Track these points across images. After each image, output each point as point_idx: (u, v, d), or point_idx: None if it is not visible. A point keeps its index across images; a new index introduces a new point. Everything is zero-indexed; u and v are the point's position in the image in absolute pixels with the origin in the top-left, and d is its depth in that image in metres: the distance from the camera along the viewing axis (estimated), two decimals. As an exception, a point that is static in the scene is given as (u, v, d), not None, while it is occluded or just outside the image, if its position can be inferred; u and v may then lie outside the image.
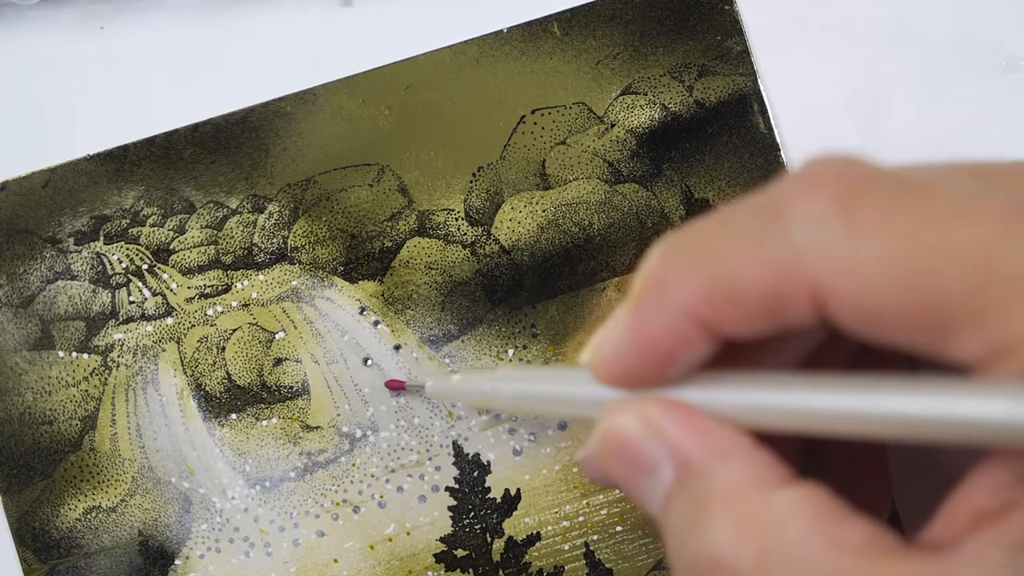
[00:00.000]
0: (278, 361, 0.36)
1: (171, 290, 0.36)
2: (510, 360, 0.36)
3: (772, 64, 0.36)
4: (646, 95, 0.36)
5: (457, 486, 0.35)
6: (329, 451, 0.35)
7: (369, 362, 0.36)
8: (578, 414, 0.25)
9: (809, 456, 0.26)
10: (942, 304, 0.18)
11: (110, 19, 0.37)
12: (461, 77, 0.36)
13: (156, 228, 0.36)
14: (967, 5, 0.36)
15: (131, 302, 0.36)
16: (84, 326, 0.36)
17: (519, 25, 0.37)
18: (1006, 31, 0.36)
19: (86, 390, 0.36)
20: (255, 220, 0.36)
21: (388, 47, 0.37)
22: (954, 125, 0.36)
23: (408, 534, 0.35)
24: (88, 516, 0.35)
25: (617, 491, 0.35)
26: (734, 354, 0.22)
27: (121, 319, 0.36)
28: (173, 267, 0.36)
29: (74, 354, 0.36)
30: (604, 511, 0.35)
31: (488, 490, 0.35)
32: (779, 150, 0.36)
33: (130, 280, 0.36)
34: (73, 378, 0.36)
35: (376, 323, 0.36)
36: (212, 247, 0.36)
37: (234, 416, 0.35)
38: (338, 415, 0.35)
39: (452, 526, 0.35)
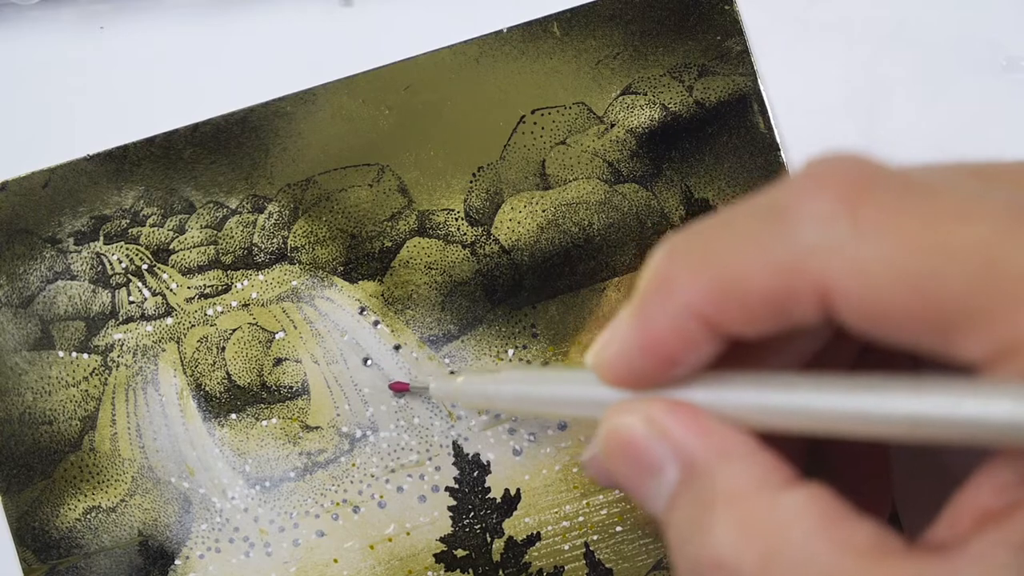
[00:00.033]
0: (278, 361, 0.36)
1: (171, 290, 0.36)
2: (510, 360, 0.36)
3: (772, 64, 0.36)
4: (646, 95, 0.36)
5: (457, 486, 0.35)
6: (329, 451, 0.35)
7: (369, 362, 0.36)
8: (582, 415, 0.25)
9: (811, 456, 0.26)
10: (947, 304, 0.18)
11: (110, 19, 0.37)
12: (461, 77, 0.36)
13: (156, 228, 0.36)
14: (967, 5, 0.36)
15: (131, 302, 0.36)
16: (84, 326, 0.36)
17: (519, 25, 0.37)
18: (1006, 31, 0.36)
19: (86, 390, 0.36)
20: (255, 220, 0.36)
21: (388, 47, 0.37)
22: (954, 125, 0.36)
23: (408, 534, 0.35)
24: (88, 516, 0.35)
25: (617, 491, 0.35)
26: (738, 354, 0.22)
27: (121, 319, 0.36)
28: (173, 267, 0.36)
29: (74, 354, 0.36)
30: (604, 511, 0.35)
31: (488, 490, 0.35)
32: (779, 150, 0.36)
33: (130, 280, 0.36)
34: (73, 378, 0.36)
35: (376, 323, 0.36)
36: (212, 247, 0.36)
37: (234, 416, 0.35)
38: (338, 415, 0.35)
39: (452, 526, 0.35)
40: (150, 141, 0.36)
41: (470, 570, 0.35)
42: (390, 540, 0.35)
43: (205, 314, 0.36)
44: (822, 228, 0.19)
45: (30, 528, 0.35)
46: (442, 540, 0.35)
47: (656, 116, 0.36)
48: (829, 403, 0.20)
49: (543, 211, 0.36)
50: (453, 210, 0.36)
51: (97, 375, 0.36)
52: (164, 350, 0.36)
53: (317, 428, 0.35)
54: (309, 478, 0.35)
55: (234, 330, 0.36)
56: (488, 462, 0.35)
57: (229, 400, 0.36)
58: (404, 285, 0.36)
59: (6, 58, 0.37)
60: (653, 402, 0.22)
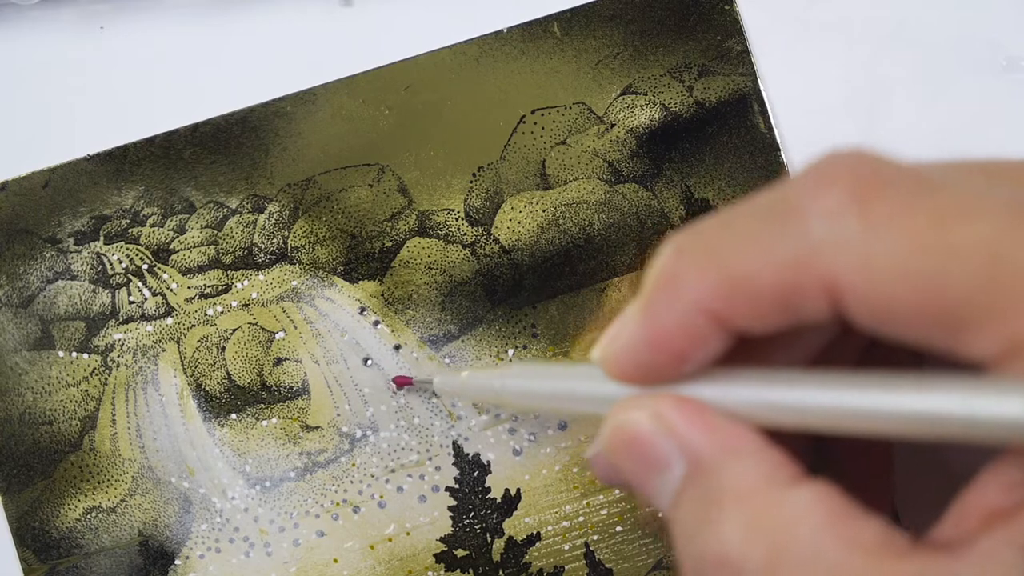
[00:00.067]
0: (278, 361, 0.36)
1: (171, 290, 0.36)
2: (510, 360, 0.36)
3: (772, 64, 0.36)
4: (646, 95, 0.36)
5: (457, 486, 0.35)
6: (329, 451, 0.35)
7: (369, 362, 0.36)
8: (588, 411, 0.25)
9: (815, 452, 0.26)
10: (956, 301, 0.18)
11: (110, 19, 0.37)
12: (461, 77, 0.36)
13: (156, 228, 0.36)
14: (967, 5, 0.36)
15: (131, 302, 0.36)
16: (84, 326, 0.36)
17: (519, 25, 0.37)
18: (1006, 31, 0.36)
19: (86, 390, 0.36)
20: (255, 220, 0.36)
21: (388, 47, 0.37)
22: (954, 125, 0.36)
23: (408, 534, 0.35)
24: (88, 516, 0.35)
25: (617, 491, 0.35)
26: (745, 350, 0.22)
27: (121, 319, 0.36)
28: (173, 267, 0.36)
29: (74, 354, 0.36)
30: (604, 511, 0.35)
31: (488, 490, 0.35)
32: (779, 150, 0.36)
33: (130, 280, 0.36)
34: (73, 378, 0.36)
35: (376, 323, 0.36)
36: (212, 247, 0.36)
37: (234, 416, 0.35)
38: (338, 415, 0.35)
39: (452, 526, 0.35)
40: (150, 141, 0.36)
41: (470, 570, 0.35)
42: (390, 540, 0.35)
43: (205, 314, 0.36)
44: (831, 223, 0.19)
45: (30, 528, 0.35)
46: (442, 540, 0.35)
47: (656, 116, 0.36)
48: (836, 400, 0.20)
49: (543, 211, 0.36)
50: (453, 210, 0.36)
51: (97, 375, 0.36)
52: (164, 350, 0.36)
53: (317, 428, 0.35)
54: (309, 478, 0.35)
55: (234, 330, 0.36)
56: (488, 462, 0.35)
57: (229, 400, 0.36)
58: (404, 285, 0.36)
59: (6, 58, 0.37)
60: (660, 398, 0.22)
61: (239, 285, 0.36)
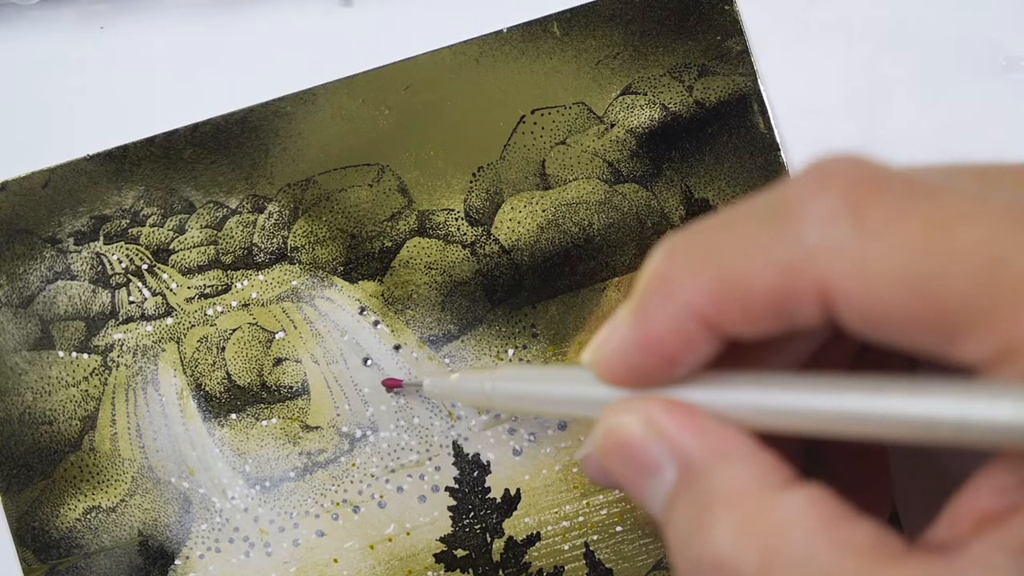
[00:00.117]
0: (278, 361, 0.36)
1: (171, 290, 0.36)
2: (510, 360, 0.36)
3: (772, 64, 0.36)
4: (646, 95, 0.36)
5: (457, 486, 0.35)
6: (329, 451, 0.35)
7: (369, 362, 0.36)
8: (579, 414, 0.25)
9: (809, 456, 0.26)
10: (948, 305, 0.18)
11: (110, 19, 0.37)
12: (461, 77, 0.36)
13: (156, 228, 0.36)
14: (967, 5, 0.36)
15: (131, 302, 0.36)
16: (84, 326, 0.36)
17: (519, 25, 0.37)
18: (1006, 31, 0.36)
19: (86, 390, 0.36)
20: (255, 220, 0.36)
21: (388, 47, 0.37)
22: (954, 125, 0.36)
23: (408, 534, 0.35)
24: (88, 516, 0.35)
25: (617, 491, 0.35)
26: (736, 354, 0.22)
27: (121, 319, 0.36)
28: (173, 267, 0.36)
29: (74, 354, 0.36)
30: (604, 511, 0.35)
31: (488, 490, 0.35)
32: (779, 150, 0.36)
33: (130, 280, 0.36)
34: (73, 378, 0.36)
35: (376, 323, 0.36)
36: (212, 247, 0.36)
37: (234, 416, 0.35)
38: (338, 415, 0.35)
39: (452, 526, 0.35)
40: (150, 141, 0.36)
41: (470, 570, 0.35)
42: (390, 540, 0.35)
43: (205, 314, 0.36)
44: (824, 228, 0.19)
45: (30, 528, 0.35)
46: (442, 540, 0.35)
47: (656, 116, 0.36)
48: (828, 404, 0.20)
49: (543, 211, 0.36)
50: (453, 210, 0.36)
51: (97, 375, 0.36)
52: (164, 350, 0.36)
53: (317, 428, 0.35)
54: (309, 478, 0.35)
55: (234, 330, 0.36)
56: (488, 462, 0.35)
57: (229, 400, 0.36)
58: (404, 285, 0.36)
59: (6, 58, 0.37)
60: (650, 401, 0.22)
61: (239, 285, 0.36)
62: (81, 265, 0.36)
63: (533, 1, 0.37)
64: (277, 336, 0.36)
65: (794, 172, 0.36)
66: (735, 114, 0.36)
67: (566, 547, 0.35)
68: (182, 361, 0.36)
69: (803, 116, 0.36)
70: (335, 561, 0.35)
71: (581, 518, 0.35)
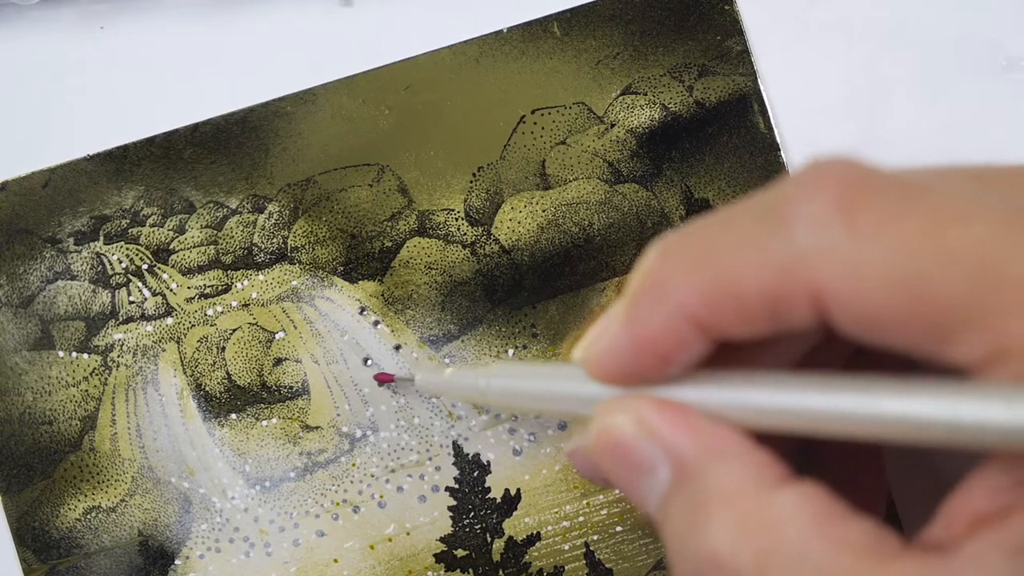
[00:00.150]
0: (278, 361, 0.36)
1: (171, 290, 0.36)
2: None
3: (772, 64, 0.36)
4: (646, 95, 0.36)
5: (457, 486, 0.35)
6: (329, 451, 0.35)
7: (369, 362, 0.36)
8: (571, 411, 0.25)
9: (804, 454, 0.26)
10: (941, 307, 0.18)
11: (110, 19, 0.37)
12: (461, 77, 0.36)
13: (156, 228, 0.36)
14: (967, 5, 0.36)
15: (131, 302, 0.36)
16: (84, 326, 0.36)
17: (519, 25, 0.37)
18: (1006, 31, 0.36)
19: (86, 390, 0.36)
20: (255, 220, 0.36)
21: (388, 47, 0.37)
22: (954, 125, 0.36)
23: (408, 534, 0.35)
24: (88, 516, 0.35)
25: (617, 491, 0.35)
26: (728, 352, 0.22)
27: (121, 319, 0.36)
28: (173, 267, 0.36)
29: (74, 354, 0.36)
30: (604, 511, 0.35)
31: (488, 490, 0.35)
32: (779, 150, 0.36)
33: (130, 280, 0.36)
34: (73, 378, 0.36)
35: (376, 323, 0.36)
36: (212, 247, 0.36)
37: (234, 416, 0.35)
38: (338, 415, 0.35)
39: (452, 526, 0.35)
40: (150, 141, 0.36)
41: (470, 570, 0.35)
42: (390, 540, 0.35)
43: (205, 314, 0.36)
44: (817, 231, 0.19)
45: (30, 528, 0.35)
46: (442, 540, 0.35)
47: (656, 116, 0.36)
48: (820, 403, 0.20)
49: (543, 211, 0.36)
50: (453, 210, 0.36)
51: (97, 375, 0.36)
52: (164, 350, 0.36)
53: (317, 428, 0.35)
54: (309, 478, 0.35)
55: (234, 330, 0.36)
56: (488, 462, 0.35)
57: (229, 400, 0.36)
58: (404, 285, 0.36)
59: (6, 58, 0.37)
60: (642, 401, 0.22)
61: (239, 285, 0.36)
62: (81, 265, 0.36)
63: (533, 1, 0.37)
64: (277, 336, 0.36)
65: (794, 172, 0.36)
66: (735, 114, 0.36)
67: (566, 547, 0.35)
68: (182, 361, 0.36)
69: (803, 116, 0.36)
70: (335, 561, 0.35)
71: (581, 518, 0.35)
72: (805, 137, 0.36)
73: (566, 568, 0.35)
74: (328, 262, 0.36)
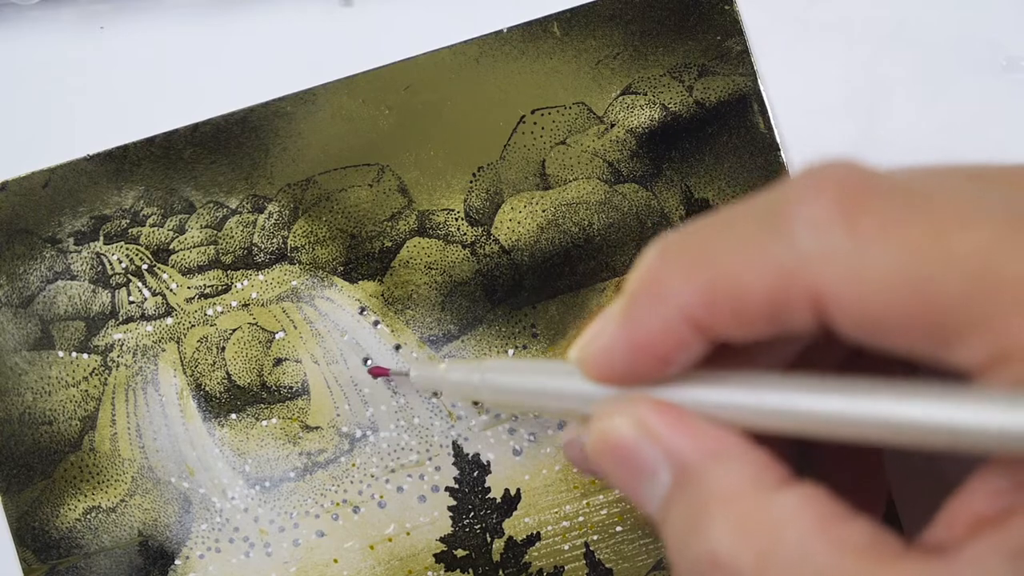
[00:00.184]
0: (278, 361, 0.36)
1: (171, 290, 0.36)
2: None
3: (772, 64, 0.36)
4: (646, 95, 0.36)
5: (457, 486, 0.35)
6: (329, 451, 0.35)
7: (369, 362, 0.36)
8: (566, 409, 0.25)
9: (803, 452, 0.26)
10: (942, 311, 0.18)
11: (110, 19, 0.37)
12: (461, 77, 0.36)
13: (156, 228, 0.36)
14: (967, 5, 0.36)
15: (131, 302, 0.36)
16: (84, 326, 0.36)
17: (519, 25, 0.37)
18: (1006, 31, 0.36)
19: (86, 390, 0.36)
20: (255, 220, 0.36)
21: (388, 47, 0.37)
22: (954, 125, 0.36)
23: (408, 534, 0.35)
24: (88, 516, 0.35)
25: (617, 491, 0.35)
26: (724, 352, 0.22)
27: (121, 319, 0.36)
28: (173, 267, 0.36)
29: (74, 354, 0.36)
30: (604, 511, 0.35)
31: (488, 490, 0.35)
32: (779, 150, 0.36)
33: (130, 280, 0.36)
34: (73, 378, 0.36)
35: (376, 323, 0.36)
36: (212, 247, 0.36)
37: (234, 416, 0.35)
38: (338, 415, 0.35)
39: (452, 526, 0.35)
40: (150, 141, 0.36)
41: (470, 570, 0.35)
42: (390, 540, 0.35)
43: (205, 314, 0.36)
44: (818, 235, 0.19)
45: (30, 528, 0.35)
46: (442, 540, 0.35)
47: (656, 116, 0.36)
48: (817, 406, 0.20)
49: (543, 211, 0.36)
50: (453, 210, 0.36)
51: (97, 375, 0.36)
52: (164, 350, 0.36)
53: (317, 428, 0.35)
54: (309, 478, 0.35)
55: (234, 330, 0.36)
56: (488, 462, 0.35)
57: (229, 400, 0.36)
58: (404, 285, 0.36)
59: (6, 58, 0.37)
60: (641, 403, 0.22)
61: (239, 285, 0.36)
62: (81, 265, 0.36)
63: (533, 1, 0.37)
64: (277, 336, 0.36)
65: (794, 172, 0.36)
66: (735, 114, 0.36)
67: (566, 547, 0.35)
68: (182, 361, 0.36)
69: (803, 116, 0.36)
70: (335, 561, 0.35)
71: (581, 518, 0.35)
72: (805, 137, 0.36)
73: (566, 568, 0.35)
74: (328, 262, 0.36)
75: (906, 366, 0.25)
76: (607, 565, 0.35)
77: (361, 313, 0.36)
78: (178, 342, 0.36)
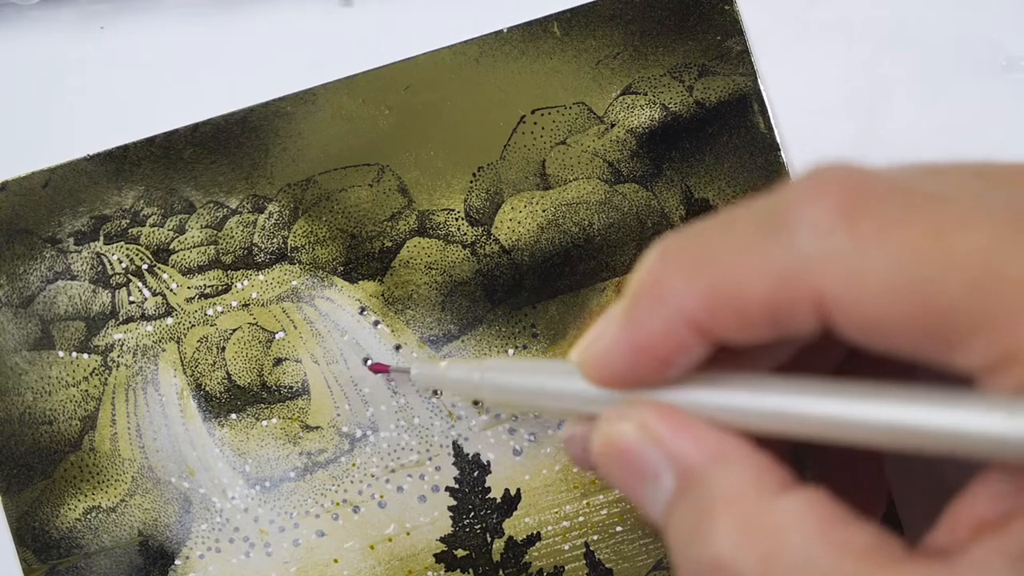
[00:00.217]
0: (278, 361, 0.36)
1: (171, 290, 0.36)
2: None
3: (772, 64, 0.36)
4: (646, 95, 0.36)
5: (457, 486, 0.35)
6: (329, 451, 0.35)
7: (369, 362, 0.36)
8: (567, 409, 0.25)
9: (803, 453, 0.26)
10: (945, 313, 0.18)
11: (110, 19, 0.37)
12: (461, 77, 0.36)
13: (156, 228, 0.36)
14: (967, 5, 0.36)
15: (131, 302, 0.36)
16: (84, 326, 0.36)
17: (519, 25, 0.37)
18: (1006, 31, 0.36)
19: (86, 390, 0.36)
20: (255, 220, 0.36)
21: (388, 47, 0.37)
22: (954, 125, 0.36)
23: (408, 534, 0.35)
24: (88, 516, 0.35)
25: (617, 491, 0.35)
26: (723, 353, 0.22)
27: (121, 319, 0.36)
28: (173, 267, 0.36)
29: (74, 354, 0.36)
30: (604, 511, 0.35)
31: (488, 490, 0.35)
32: (779, 150, 0.36)
33: (130, 280, 0.36)
34: (73, 378, 0.36)
35: (376, 323, 0.36)
36: (212, 247, 0.36)
37: (234, 416, 0.35)
38: (338, 415, 0.35)
39: (452, 526, 0.35)
40: (150, 141, 0.36)
41: (470, 570, 0.35)
42: (390, 540, 0.35)
43: (205, 314, 0.36)
44: (820, 238, 0.19)
45: (30, 528, 0.35)
46: (442, 540, 0.35)
47: (656, 116, 0.36)
48: (818, 409, 0.20)
49: (543, 211, 0.36)
50: (453, 210, 0.36)
51: (97, 375, 0.36)
52: (164, 350, 0.36)
53: (317, 428, 0.35)
54: (309, 478, 0.35)
55: (234, 330, 0.36)
56: (488, 462, 0.35)
57: (229, 400, 0.36)
58: (404, 285, 0.36)
59: (6, 58, 0.37)
60: (644, 408, 0.22)
61: (239, 285, 0.36)
62: (81, 265, 0.36)
63: (533, 1, 0.37)
64: (277, 336, 0.36)
65: (794, 172, 0.36)
66: (735, 114, 0.36)
67: (566, 547, 0.35)
68: (182, 361, 0.36)
69: (803, 116, 0.36)
70: (335, 561, 0.35)
71: (581, 518, 0.35)
72: (805, 137, 0.36)
73: (566, 568, 0.35)
74: (328, 262, 0.36)
75: (905, 365, 0.25)
76: (607, 565, 0.35)
77: (361, 313, 0.36)
78: (178, 342, 0.36)
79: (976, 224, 0.18)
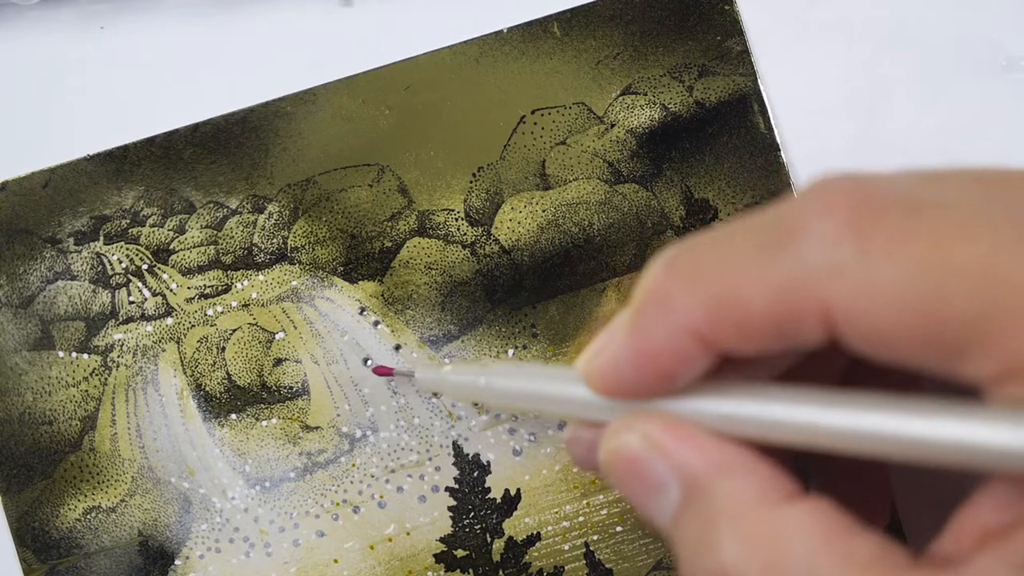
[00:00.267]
0: (278, 361, 0.36)
1: (171, 290, 0.36)
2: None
3: (772, 64, 0.36)
4: (646, 95, 0.36)
5: (457, 486, 0.35)
6: (329, 451, 0.35)
7: (369, 362, 0.36)
8: (570, 415, 0.25)
9: (807, 463, 0.26)
10: (952, 324, 0.18)
11: (110, 19, 0.37)
12: (461, 77, 0.36)
13: (156, 228, 0.36)
14: (967, 5, 0.36)
15: (131, 302, 0.36)
16: (84, 326, 0.36)
17: (519, 25, 0.36)
18: (1006, 31, 0.36)
19: (86, 390, 0.36)
20: (255, 220, 0.36)
21: (388, 47, 0.37)
22: (954, 125, 0.36)
23: (408, 534, 0.35)
24: (88, 516, 0.35)
25: (617, 491, 0.35)
26: (727, 362, 0.22)
27: (121, 319, 0.36)
28: (173, 267, 0.36)
29: (74, 354, 0.36)
30: (604, 511, 0.35)
31: (488, 490, 0.35)
32: (779, 150, 0.36)
33: (130, 280, 0.36)
34: (73, 378, 0.36)
35: (376, 323, 0.36)
36: (212, 247, 0.36)
37: (234, 416, 0.35)
38: (338, 415, 0.35)
39: (452, 526, 0.35)
40: (150, 141, 0.36)
41: (470, 570, 0.35)
42: (390, 540, 0.35)
43: (205, 314, 0.36)
44: (828, 250, 0.19)
45: (30, 528, 0.35)
46: (442, 540, 0.35)
47: (656, 116, 0.36)
48: (822, 420, 0.20)
49: (543, 211, 0.36)
50: (453, 210, 0.36)
51: (97, 375, 0.36)
52: (164, 350, 0.36)
53: (317, 428, 0.35)
54: (309, 478, 0.35)
55: (234, 330, 0.36)
56: (488, 462, 0.35)
57: (229, 400, 0.36)
58: (404, 285, 0.36)
59: (6, 58, 0.37)
60: (649, 419, 0.22)
61: (239, 285, 0.36)
62: (81, 265, 0.36)
63: (533, 1, 0.37)
64: (277, 336, 0.36)
65: (794, 172, 0.36)
66: (735, 114, 0.36)
67: (566, 547, 0.35)
68: (182, 361, 0.36)
69: (803, 116, 0.36)
70: (335, 561, 0.35)
71: (581, 518, 0.35)
72: (805, 137, 0.36)
73: (566, 568, 0.35)
74: (328, 262, 0.36)
75: (909, 374, 0.25)
76: (607, 565, 0.35)
77: (361, 313, 0.36)
78: (178, 342, 0.36)
79: (978, 234, 0.18)
